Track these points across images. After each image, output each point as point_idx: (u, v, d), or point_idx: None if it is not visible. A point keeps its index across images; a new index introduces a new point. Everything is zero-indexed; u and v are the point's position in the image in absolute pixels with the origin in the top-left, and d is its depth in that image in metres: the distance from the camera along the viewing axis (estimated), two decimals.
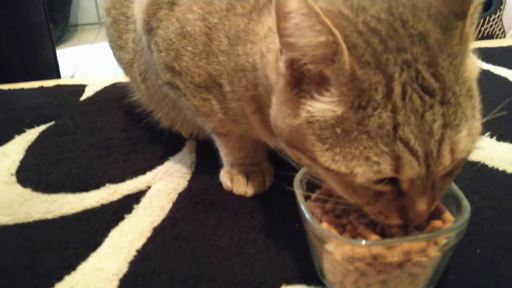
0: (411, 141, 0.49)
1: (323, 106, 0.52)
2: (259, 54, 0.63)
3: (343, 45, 0.49)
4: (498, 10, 1.58)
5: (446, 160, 0.51)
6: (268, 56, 0.61)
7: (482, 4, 0.55)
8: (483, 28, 1.59)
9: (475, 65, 0.54)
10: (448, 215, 0.62)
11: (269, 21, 0.63)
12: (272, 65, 0.59)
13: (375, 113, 0.49)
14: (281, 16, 0.50)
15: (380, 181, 0.52)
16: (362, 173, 0.51)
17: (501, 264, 0.66)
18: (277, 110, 0.58)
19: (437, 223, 0.60)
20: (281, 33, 0.52)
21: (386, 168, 0.50)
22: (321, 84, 0.53)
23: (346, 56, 0.49)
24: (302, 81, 0.54)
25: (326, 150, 0.52)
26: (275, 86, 0.58)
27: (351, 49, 0.50)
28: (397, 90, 0.49)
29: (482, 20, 1.58)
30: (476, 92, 0.53)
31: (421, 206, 0.53)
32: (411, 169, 0.50)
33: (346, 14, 0.52)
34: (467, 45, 0.52)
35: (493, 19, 1.58)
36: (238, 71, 0.67)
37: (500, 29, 1.60)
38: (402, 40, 0.50)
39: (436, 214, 0.62)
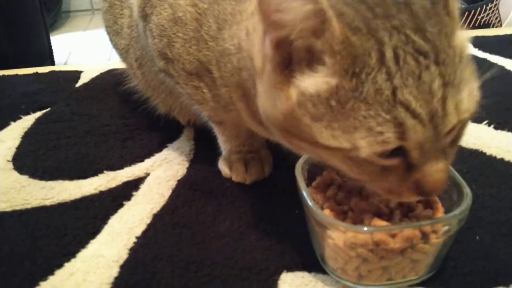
0: (412, 103, 0.48)
1: (315, 80, 0.51)
2: (244, 31, 0.62)
3: (330, 11, 0.48)
4: None
5: (453, 118, 0.50)
6: (254, 37, 0.59)
7: None
8: (479, 17, 1.58)
9: (466, 40, 0.53)
10: (439, 206, 0.62)
11: None
12: (257, 47, 0.57)
13: (369, 78, 0.48)
14: None
15: (387, 155, 0.50)
16: (366, 145, 0.49)
17: (500, 251, 0.67)
18: (266, 97, 0.56)
19: (426, 213, 0.61)
20: (264, 11, 0.50)
21: (391, 137, 0.48)
22: (311, 60, 0.51)
23: (335, 22, 0.48)
24: (291, 61, 0.53)
25: (325, 128, 0.51)
26: (261, 72, 0.56)
27: (339, 17, 0.48)
28: (389, 53, 0.48)
29: (478, 9, 1.57)
30: (469, 59, 0.52)
31: (438, 174, 0.51)
32: (416, 132, 0.48)
33: None
34: (455, 18, 0.52)
35: (490, 8, 1.57)
36: (224, 55, 0.66)
37: (496, 18, 1.60)
38: (389, 8, 0.50)
39: (428, 204, 0.63)
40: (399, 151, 0.50)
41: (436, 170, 0.51)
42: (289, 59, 0.53)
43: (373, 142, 0.49)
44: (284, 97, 0.53)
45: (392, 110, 0.48)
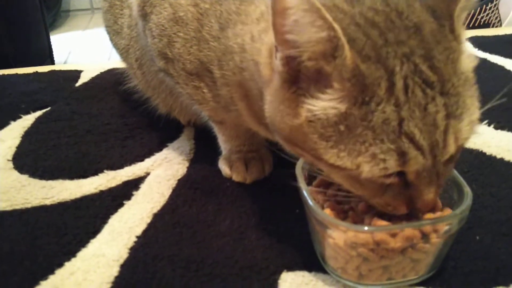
0: (416, 136, 0.49)
1: (325, 104, 0.51)
2: (249, 35, 0.62)
3: (343, 40, 0.48)
4: None
5: (452, 149, 0.51)
6: (259, 44, 0.59)
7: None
8: (479, 17, 1.58)
9: (471, 58, 0.54)
10: (439, 205, 0.62)
11: (262, 4, 0.62)
12: (265, 59, 0.58)
13: (378, 108, 0.49)
14: (279, 12, 0.49)
15: (386, 176, 0.52)
16: (369, 170, 0.51)
17: (500, 250, 0.67)
18: (273, 109, 0.56)
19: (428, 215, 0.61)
20: (278, 30, 0.51)
21: (392, 164, 0.50)
22: (319, 80, 0.52)
23: (347, 51, 0.48)
24: (298, 78, 0.53)
25: (331, 147, 0.52)
26: (269, 82, 0.57)
27: (350, 43, 0.49)
28: (399, 84, 0.49)
29: (478, 8, 1.57)
30: (473, 81, 0.54)
31: (429, 195, 0.54)
32: (417, 163, 0.50)
33: (341, 7, 0.51)
34: (460, 41, 0.53)
35: (490, 8, 1.57)
36: (226, 53, 0.67)
37: (496, 17, 1.60)
38: (400, 33, 0.50)
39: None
40: (398, 172, 0.52)
41: (428, 192, 0.54)
42: (297, 76, 0.53)
43: (375, 167, 0.50)
44: (292, 114, 0.54)
45: (397, 140, 0.49)
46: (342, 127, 0.51)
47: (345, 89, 0.50)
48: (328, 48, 0.49)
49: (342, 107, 0.50)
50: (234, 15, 0.65)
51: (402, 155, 0.50)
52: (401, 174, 0.52)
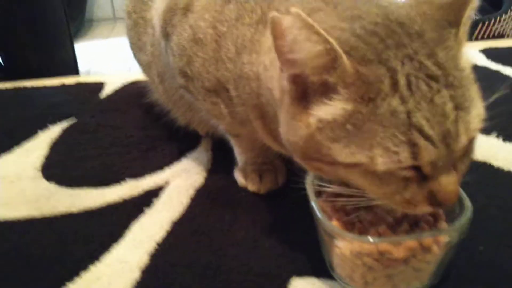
0: (424, 127, 0.51)
1: (332, 109, 0.55)
2: (262, 65, 0.66)
3: (339, 50, 0.52)
4: (509, 10, 1.60)
5: (464, 138, 0.53)
6: (272, 71, 0.64)
7: (477, 7, 0.58)
8: (493, 28, 1.60)
9: (468, 59, 0.57)
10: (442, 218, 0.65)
11: None
12: (276, 81, 0.62)
13: (384, 103, 0.52)
14: (278, 35, 0.53)
15: (402, 168, 0.54)
16: (383, 161, 0.53)
17: (504, 261, 0.69)
18: (287, 126, 0.60)
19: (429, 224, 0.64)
20: (279, 51, 0.55)
21: (406, 156, 0.52)
22: (326, 91, 0.55)
23: (345, 59, 0.52)
24: (307, 93, 0.57)
25: (343, 147, 0.54)
26: (281, 104, 0.61)
27: (351, 51, 0.53)
28: (402, 81, 0.52)
29: (492, 20, 1.59)
30: (474, 79, 0.56)
31: (449, 186, 0.55)
32: (428, 153, 0.52)
33: (341, 26, 0.55)
34: (461, 44, 0.56)
35: (504, 19, 1.59)
36: (242, 78, 0.71)
37: (510, 29, 1.61)
38: (401, 38, 0.54)
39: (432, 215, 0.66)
40: (414, 167, 0.54)
41: (447, 183, 0.55)
42: (305, 91, 0.57)
43: (388, 159, 0.53)
44: (303, 126, 0.57)
45: (407, 132, 0.52)
46: (349, 126, 0.54)
47: (350, 92, 0.53)
48: (327, 60, 0.53)
49: (349, 107, 0.53)
50: (249, 42, 0.69)
51: (413, 146, 0.52)
52: (417, 168, 0.54)
